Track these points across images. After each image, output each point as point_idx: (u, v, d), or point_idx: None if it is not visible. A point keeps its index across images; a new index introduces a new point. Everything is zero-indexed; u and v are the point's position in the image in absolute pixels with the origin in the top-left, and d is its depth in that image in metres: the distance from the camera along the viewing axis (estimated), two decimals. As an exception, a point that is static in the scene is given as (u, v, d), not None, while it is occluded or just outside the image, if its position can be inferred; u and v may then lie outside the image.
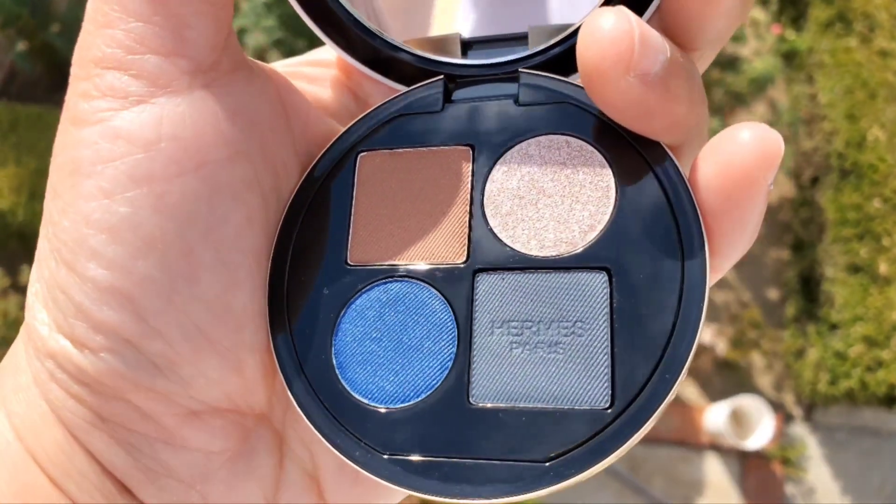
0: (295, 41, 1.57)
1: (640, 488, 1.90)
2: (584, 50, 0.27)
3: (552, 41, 0.33)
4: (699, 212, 0.28)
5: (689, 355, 0.26)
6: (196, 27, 0.28)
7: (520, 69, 0.32)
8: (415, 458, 0.28)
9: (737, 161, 0.26)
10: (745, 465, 1.96)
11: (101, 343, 0.28)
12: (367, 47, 0.34)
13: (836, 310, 1.86)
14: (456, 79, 0.33)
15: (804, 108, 2.15)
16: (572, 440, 0.26)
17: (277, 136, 0.32)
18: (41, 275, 0.29)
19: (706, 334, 2.06)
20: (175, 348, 0.29)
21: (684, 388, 2.01)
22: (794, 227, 2.15)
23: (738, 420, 1.92)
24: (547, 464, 0.26)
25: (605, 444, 0.26)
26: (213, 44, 0.29)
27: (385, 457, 0.28)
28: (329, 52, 0.36)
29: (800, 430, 2.00)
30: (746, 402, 1.90)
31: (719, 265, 0.29)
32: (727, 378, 2.05)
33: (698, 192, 0.28)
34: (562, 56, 0.33)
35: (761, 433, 1.88)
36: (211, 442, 0.30)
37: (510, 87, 0.32)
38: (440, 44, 0.34)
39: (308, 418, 0.29)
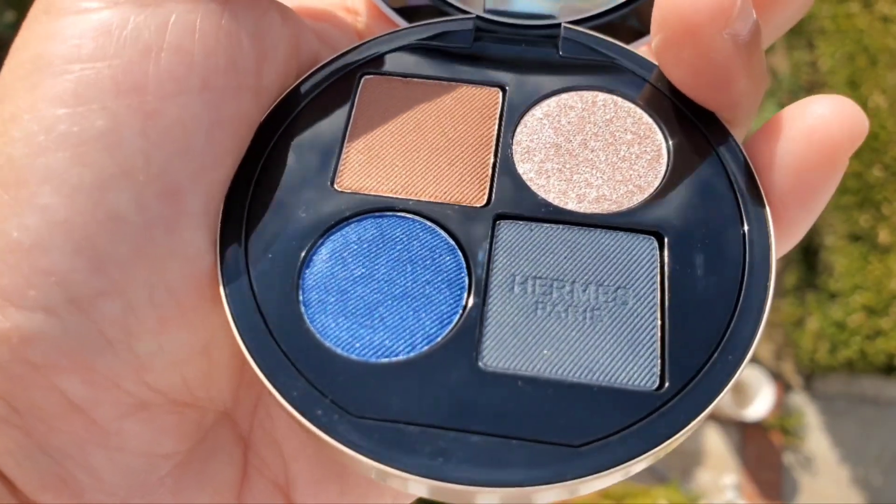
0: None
1: (639, 459, 1.90)
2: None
3: (593, 12, 0.30)
4: (760, 187, 0.25)
5: (756, 336, 0.23)
6: None
7: (563, 23, 0.29)
8: (396, 423, 0.21)
9: (818, 136, 0.23)
10: (744, 434, 1.96)
11: (37, 299, 0.21)
12: None
13: (835, 279, 1.85)
14: (488, 28, 0.29)
15: (804, 75, 2.12)
16: (614, 424, 0.21)
17: (287, 80, 0.27)
18: None
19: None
20: (137, 313, 0.22)
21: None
22: (794, 196, 2.13)
23: (738, 390, 1.91)
24: (581, 449, 0.21)
25: (654, 431, 0.21)
26: None
27: (353, 419, 0.22)
28: None
29: (799, 399, 2.00)
30: (746, 372, 1.90)
31: (778, 250, 0.26)
32: (726, 348, 2.05)
33: (766, 170, 0.25)
34: (604, 27, 0.30)
35: (761, 403, 1.87)
36: (158, 443, 0.24)
37: (550, 40, 0.29)
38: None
39: (255, 361, 0.23)
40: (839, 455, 1.94)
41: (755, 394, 1.89)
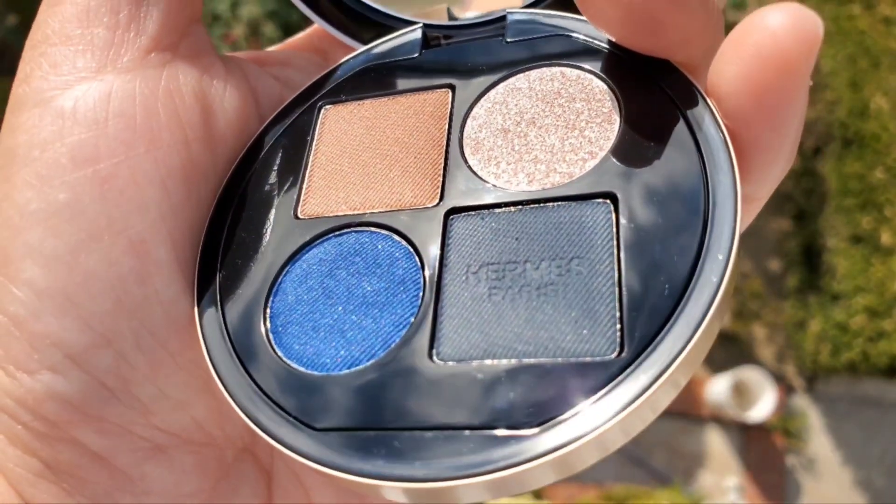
0: (289, 12, 1.54)
1: (641, 460, 1.90)
2: None
3: None
4: (722, 125, 0.23)
5: (720, 287, 0.21)
6: (155, 3, 0.25)
7: (507, 11, 0.29)
8: (353, 431, 0.22)
9: (767, 51, 0.21)
10: (746, 437, 1.96)
11: (40, 361, 0.23)
12: (346, 16, 0.31)
13: (837, 280, 1.85)
14: (439, 34, 0.30)
15: (806, 77, 2.12)
16: (572, 399, 0.20)
17: (246, 127, 0.28)
18: None
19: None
20: (128, 360, 0.24)
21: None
22: (796, 198, 2.13)
23: (740, 392, 1.92)
24: (535, 430, 0.20)
25: (612, 400, 0.20)
26: (173, 23, 0.26)
27: (314, 432, 0.22)
28: (301, 35, 0.34)
29: (801, 401, 2.00)
30: (748, 373, 1.90)
31: (757, 190, 0.24)
32: (728, 350, 2.05)
33: (722, 99, 0.23)
34: (558, 2, 0.29)
35: (763, 405, 1.87)
36: (181, 483, 0.26)
37: (497, 30, 0.29)
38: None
39: (227, 393, 0.24)
40: (842, 457, 1.94)
41: (757, 396, 1.89)
